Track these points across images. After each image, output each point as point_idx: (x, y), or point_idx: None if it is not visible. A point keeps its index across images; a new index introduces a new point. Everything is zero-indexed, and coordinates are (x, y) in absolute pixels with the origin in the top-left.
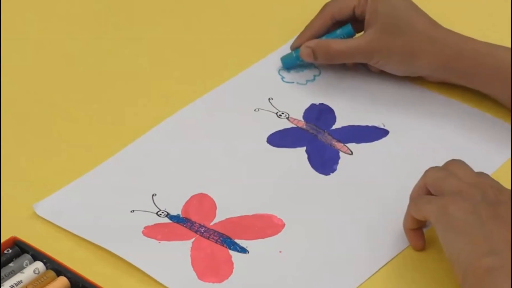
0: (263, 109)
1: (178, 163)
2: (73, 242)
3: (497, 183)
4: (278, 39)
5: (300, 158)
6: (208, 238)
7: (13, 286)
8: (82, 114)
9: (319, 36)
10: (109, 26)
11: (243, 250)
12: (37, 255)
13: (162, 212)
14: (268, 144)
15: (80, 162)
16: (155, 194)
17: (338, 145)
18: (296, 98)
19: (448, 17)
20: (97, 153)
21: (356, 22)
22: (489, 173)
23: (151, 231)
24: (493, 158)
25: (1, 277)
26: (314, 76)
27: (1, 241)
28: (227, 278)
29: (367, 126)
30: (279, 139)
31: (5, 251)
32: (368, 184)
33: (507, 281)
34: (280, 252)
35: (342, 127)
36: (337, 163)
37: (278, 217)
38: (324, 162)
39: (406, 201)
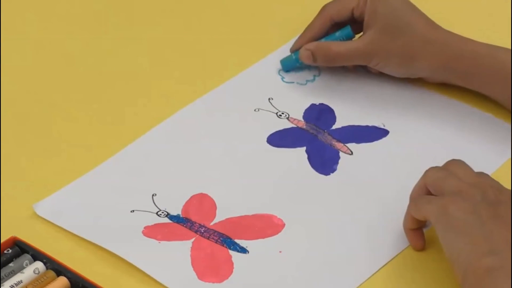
0: (263, 109)
1: (178, 163)
2: (73, 242)
3: (497, 183)
4: (278, 39)
5: (300, 158)
6: (208, 238)
7: (13, 286)
8: (82, 114)
9: (318, 38)
10: (109, 26)
11: (243, 250)
12: (37, 255)
13: (162, 212)
14: (268, 144)
15: (80, 162)
16: (155, 194)
17: (338, 145)
18: (296, 98)
19: (448, 17)
20: (97, 153)
21: (355, 24)
22: (489, 173)
23: (151, 231)
24: (493, 158)
25: (1, 277)
26: (314, 76)
27: (1, 241)
28: (227, 278)
29: (367, 126)
30: (279, 139)
31: (5, 251)
32: (368, 184)
33: (507, 281)
34: (280, 252)
35: (342, 127)
36: (337, 163)
37: (278, 217)
38: (324, 162)
39: (406, 201)
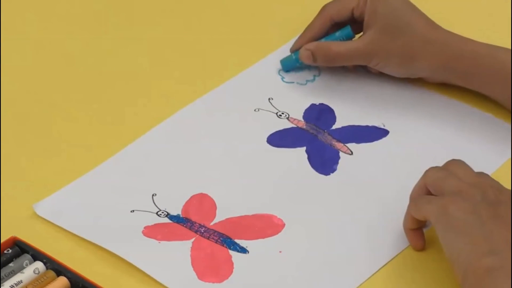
0: (263, 109)
1: (178, 163)
2: (73, 242)
3: (497, 183)
4: (278, 39)
5: (300, 158)
6: (208, 238)
7: (13, 286)
8: (82, 114)
9: (318, 38)
10: (109, 26)
11: (243, 250)
12: (37, 255)
13: (162, 212)
14: (268, 144)
15: (80, 162)
16: (155, 194)
17: (338, 145)
18: (296, 98)
19: (448, 17)
20: (97, 153)
21: (355, 24)
22: (489, 173)
23: (151, 231)
24: (493, 158)
25: (1, 277)
26: (314, 76)
27: (1, 241)
28: (227, 278)
29: (367, 126)
30: (279, 139)
31: (5, 251)
32: (368, 184)
33: (507, 281)
34: (280, 252)
35: (342, 127)
36: (337, 163)
37: (278, 217)
38: (324, 162)
39: (406, 201)
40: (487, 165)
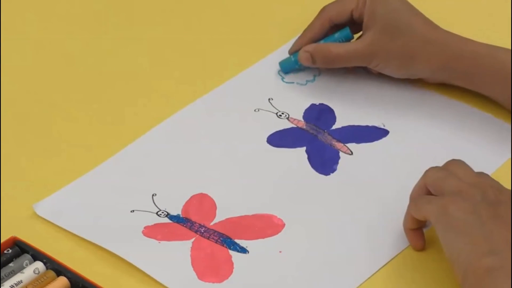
0: (263, 109)
1: (178, 163)
2: (73, 242)
3: (497, 183)
4: (278, 39)
5: (300, 158)
6: (208, 238)
7: (13, 286)
8: (82, 114)
9: (317, 39)
10: (109, 26)
11: (243, 250)
12: (37, 255)
13: (162, 212)
14: (268, 144)
15: (80, 162)
16: (155, 194)
17: (338, 145)
18: (296, 98)
19: (448, 17)
20: (97, 153)
21: (354, 25)
22: (489, 173)
23: (151, 231)
24: (493, 158)
25: (1, 277)
26: (314, 76)
27: (1, 241)
28: (227, 278)
29: (367, 126)
30: (279, 139)
31: (5, 251)
32: (368, 184)
33: (507, 281)
34: (280, 252)
35: (342, 127)
36: (337, 163)
37: (278, 217)
38: (324, 162)
39: (406, 201)
40: (487, 165)
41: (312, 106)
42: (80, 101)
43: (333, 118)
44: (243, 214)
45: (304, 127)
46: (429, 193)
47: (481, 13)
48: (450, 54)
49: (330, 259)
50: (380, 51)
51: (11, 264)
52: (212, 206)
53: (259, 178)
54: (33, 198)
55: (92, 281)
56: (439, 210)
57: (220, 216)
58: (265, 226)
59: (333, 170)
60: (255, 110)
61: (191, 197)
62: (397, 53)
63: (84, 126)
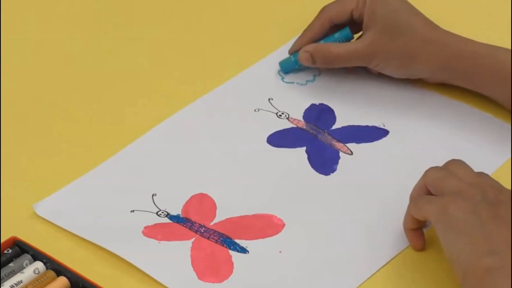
0: (263, 109)
1: (178, 163)
2: (73, 242)
3: (497, 183)
4: (278, 39)
5: (300, 158)
6: (208, 238)
7: (13, 286)
8: (82, 114)
9: (317, 40)
10: (109, 26)
11: (243, 250)
12: (37, 255)
13: (162, 212)
14: (268, 144)
15: (80, 162)
16: (155, 194)
17: (338, 145)
18: (296, 98)
19: (448, 17)
20: (97, 153)
21: (354, 25)
22: (489, 173)
23: (151, 231)
24: (493, 158)
25: (1, 277)
26: (314, 76)
27: (1, 241)
28: (227, 278)
29: (367, 126)
30: (279, 139)
31: (5, 251)
32: (368, 184)
33: (507, 281)
34: (280, 252)
35: (342, 127)
36: (337, 163)
37: (278, 217)
38: (324, 162)
39: (406, 201)
40: (487, 165)
41: (312, 106)
42: (80, 101)
43: (333, 118)
44: (243, 214)
45: (304, 127)
46: (429, 193)
47: (481, 13)
48: (450, 54)
49: (330, 259)
50: (380, 51)
51: (11, 264)
52: (212, 206)
53: (259, 178)
54: (33, 198)
55: (92, 281)
56: (439, 210)
57: (220, 216)
58: (265, 226)
59: (333, 170)
60: (255, 110)
61: (191, 197)
62: (397, 53)
63: (84, 126)
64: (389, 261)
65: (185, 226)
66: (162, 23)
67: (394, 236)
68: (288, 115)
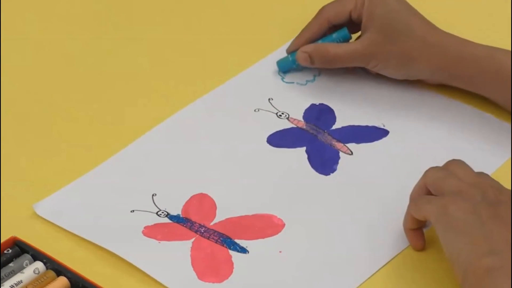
0: (263, 109)
1: (178, 163)
2: (73, 242)
3: (497, 183)
4: (278, 39)
5: (300, 158)
6: (208, 238)
7: (13, 286)
8: (82, 114)
9: (315, 40)
10: (109, 26)
11: (243, 250)
12: (37, 255)
13: (162, 212)
14: (268, 144)
15: (80, 162)
16: (155, 194)
17: (338, 145)
18: (296, 98)
19: (448, 18)
20: (97, 153)
21: (352, 26)
22: (489, 173)
23: (151, 231)
24: (493, 158)
25: (1, 277)
26: (314, 76)
27: (1, 241)
28: (227, 278)
29: (367, 126)
30: (279, 139)
31: (5, 251)
32: (368, 184)
33: (507, 281)
34: (280, 252)
35: (342, 127)
36: (337, 163)
37: (278, 217)
38: (324, 162)
39: (406, 201)
40: (487, 165)
41: (312, 106)
42: (80, 101)
43: (333, 118)
44: (243, 214)
45: (304, 127)
46: (429, 193)
47: (481, 13)
48: (450, 56)
49: (330, 259)
50: (378, 52)
51: (11, 264)
52: (212, 206)
53: (259, 178)
54: (33, 198)
55: (92, 281)
56: (439, 210)
57: (220, 216)
58: (265, 226)
59: (333, 170)
60: (255, 110)
61: (191, 197)
62: (396, 54)
63: (84, 126)
64: (389, 261)
65: (185, 226)
66: (162, 23)
67: (394, 236)
68: (288, 115)
